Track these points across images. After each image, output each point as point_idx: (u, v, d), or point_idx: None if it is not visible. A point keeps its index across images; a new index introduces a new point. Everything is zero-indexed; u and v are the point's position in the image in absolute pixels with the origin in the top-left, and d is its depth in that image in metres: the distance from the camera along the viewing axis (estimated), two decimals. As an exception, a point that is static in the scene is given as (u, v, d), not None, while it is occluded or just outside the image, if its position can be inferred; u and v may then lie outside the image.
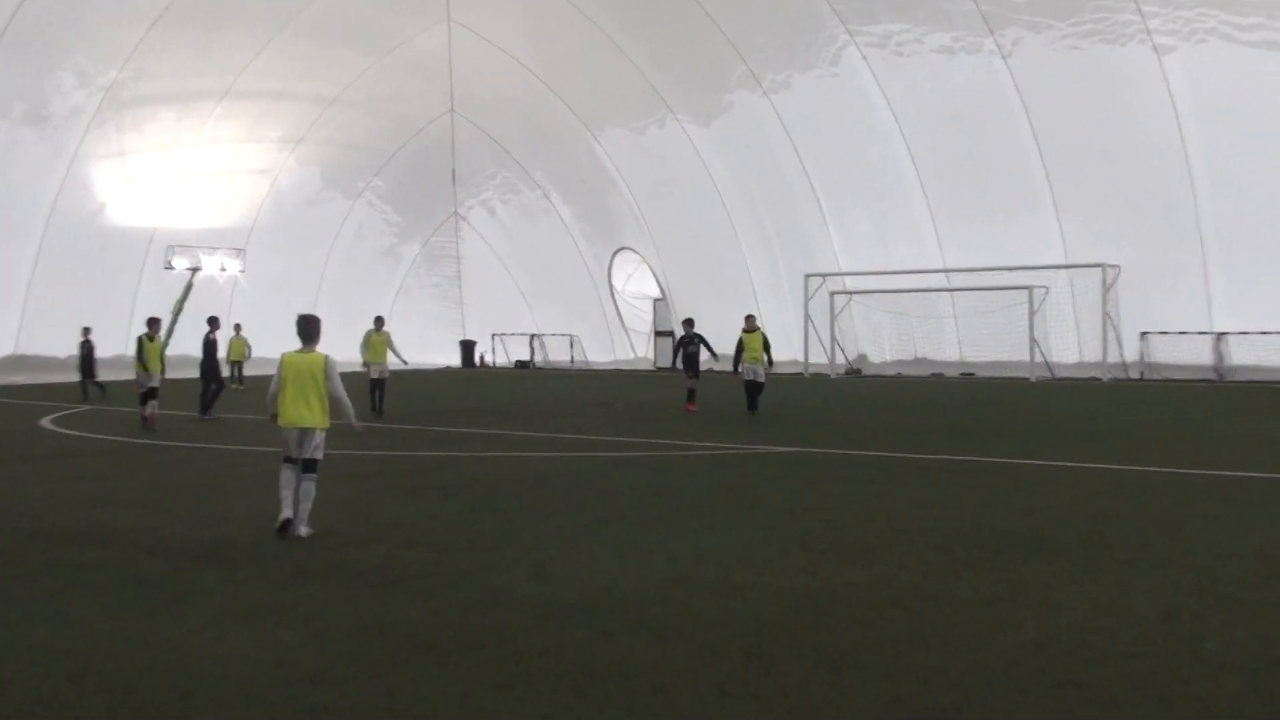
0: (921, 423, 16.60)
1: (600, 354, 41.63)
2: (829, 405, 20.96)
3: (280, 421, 7.54)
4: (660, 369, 38.89)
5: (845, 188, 32.66)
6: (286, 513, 7.46)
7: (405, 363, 20.11)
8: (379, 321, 19.78)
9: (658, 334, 41.17)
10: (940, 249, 31.46)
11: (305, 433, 7.54)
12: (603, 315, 41.27)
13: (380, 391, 18.87)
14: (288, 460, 7.58)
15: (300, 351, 7.65)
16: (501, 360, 43.87)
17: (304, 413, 7.51)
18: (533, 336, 42.71)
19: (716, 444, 13.75)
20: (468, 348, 43.63)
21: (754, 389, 17.87)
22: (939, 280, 31.81)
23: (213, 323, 19.42)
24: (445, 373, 39.07)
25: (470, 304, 44.16)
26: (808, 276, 33.46)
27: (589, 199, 39.65)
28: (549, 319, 42.50)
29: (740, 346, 18.15)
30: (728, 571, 6.50)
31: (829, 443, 13.78)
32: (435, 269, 43.41)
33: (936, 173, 30.71)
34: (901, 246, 32.12)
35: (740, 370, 18.19)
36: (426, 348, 42.38)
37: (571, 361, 41.69)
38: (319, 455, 7.62)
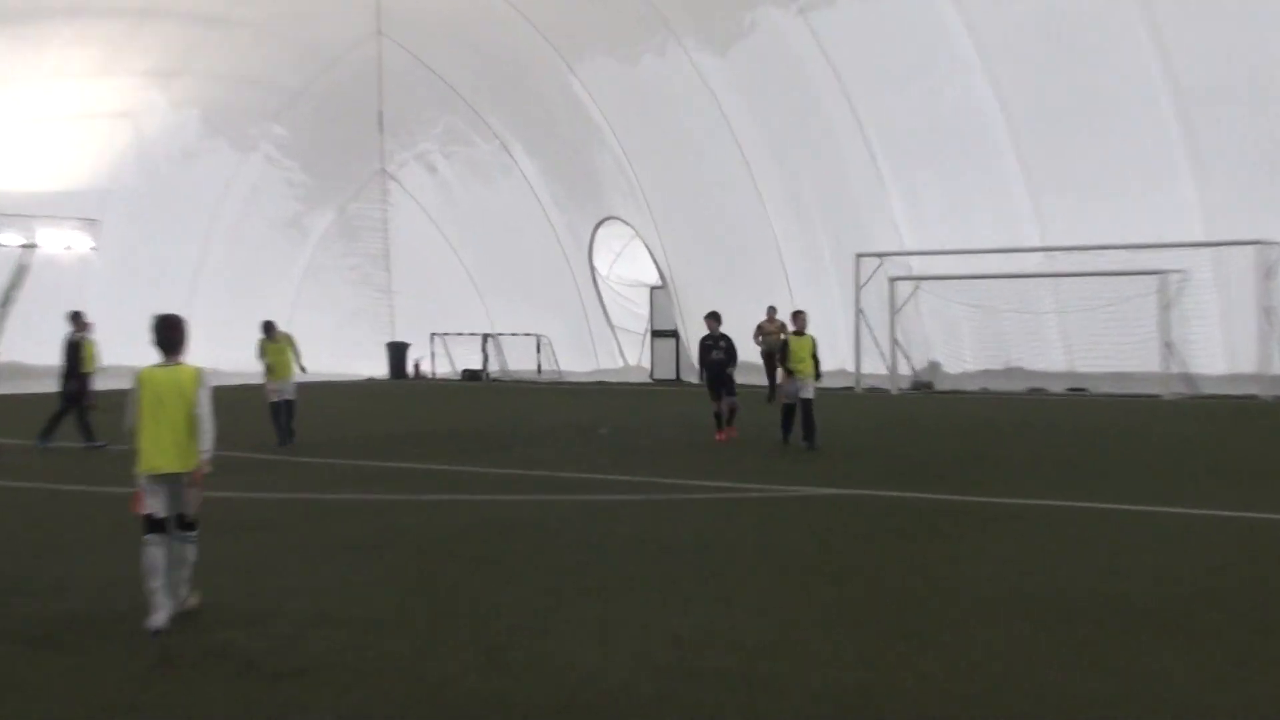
0: (1013, 455, 16.56)
1: (578, 361, 41.62)
2: (887, 431, 20.89)
3: (139, 468, 7.30)
4: (659, 381, 38.85)
5: (910, 140, 32.67)
6: (158, 619, 7.07)
7: (303, 370, 19.98)
8: (269, 328, 19.57)
9: (655, 334, 41.14)
10: (1039, 222, 31.46)
11: (174, 481, 7.34)
12: (581, 309, 41.27)
13: (288, 415, 18.89)
14: (153, 526, 7.26)
15: (162, 366, 7.48)
16: (444, 370, 43.78)
17: (170, 453, 7.29)
18: (486, 338, 42.65)
19: (735, 484, 13.69)
20: (398, 352, 43.56)
21: (802, 411, 17.57)
22: (1037, 263, 31.83)
23: (77, 320, 19.45)
24: (368, 386, 39.01)
25: (402, 293, 44.08)
26: (860, 257, 33.45)
27: (563, 153, 39.65)
28: (509, 314, 42.47)
29: (786, 353, 18.07)
30: (750, 660, 6.44)
31: (887, 483, 13.74)
32: (355, 246, 43.34)
33: (1033, 120, 30.74)
34: (986, 218, 32.12)
35: (781, 386, 18.16)
36: (343, 352, 42.26)
37: (539, 371, 41.66)
38: (194, 508, 7.44)
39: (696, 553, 9.53)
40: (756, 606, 7.66)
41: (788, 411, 17.99)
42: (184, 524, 7.42)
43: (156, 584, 7.17)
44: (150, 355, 7.61)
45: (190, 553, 7.41)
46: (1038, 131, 30.88)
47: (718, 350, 19.20)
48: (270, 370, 19.21)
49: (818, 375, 18.08)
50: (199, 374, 7.50)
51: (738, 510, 11.90)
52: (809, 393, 17.70)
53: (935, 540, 10.01)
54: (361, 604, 7.76)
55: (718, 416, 19.07)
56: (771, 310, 29.92)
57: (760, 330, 29.46)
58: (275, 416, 18.89)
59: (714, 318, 19.67)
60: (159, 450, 7.30)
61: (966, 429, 21.18)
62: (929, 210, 33.26)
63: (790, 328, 18.61)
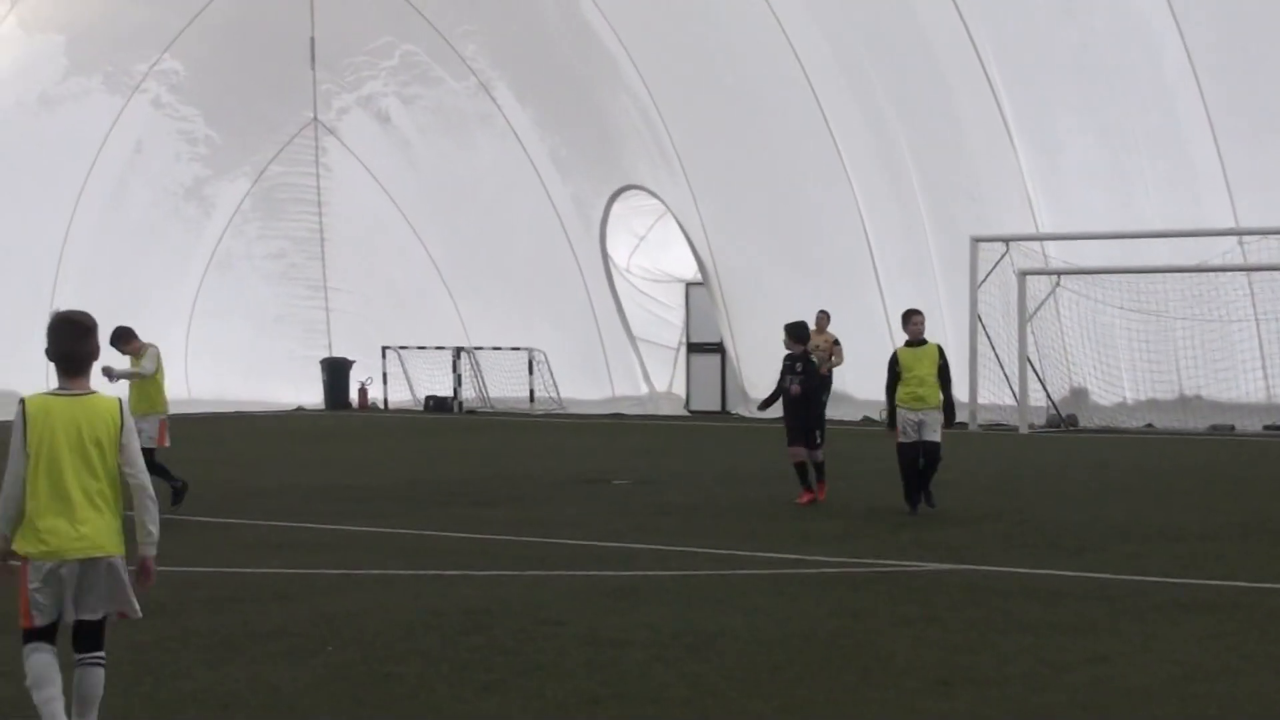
0: (1191, 519, 16.49)
1: (586, 386, 41.50)
2: (1014, 484, 20.82)
3: (27, 547, 6.87)
4: (698, 414, 38.77)
5: (1046, 79, 32.55)
6: None
7: (109, 376, 17.78)
8: (123, 337, 18.05)
9: (692, 349, 41.09)
10: (1229, 196, 31.31)
11: (86, 571, 6.92)
12: (590, 314, 41.14)
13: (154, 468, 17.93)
14: (37, 634, 6.92)
15: (63, 395, 7.03)
16: (400, 396, 43.69)
17: (81, 524, 6.88)
18: (459, 353, 42.64)
19: (804, 555, 13.69)
20: (338, 373, 43.47)
21: (925, 458, 16.99)
22: (1228, 252, 31.70)
23: None
24: (297, 420, 39.05)
25: (343, 291, 44.07)
26: (977, 242, 33.38)
27: (566, 95, 39.60)
28: (490, 322, 42.38)
29: (896, 376, 17.45)
30: (826, 796, 6.46)
31: (1015, 557, 13.72)
32: (278, 226, 43.27)
33: (1223, 48, 30.64)
34: (1153, 188, 32.01)
35: (898, 423, 17.32)
36: (262, 373, 42.29)
37: (532, 400, 41.57)
38: (118, 610, 7.07)
39: (749, 649, 9.54)
40: (833, 725, 7.70)
41: (909, 461, 17.02)
42: (90, 638, 7.00)
43: (52, 693, 6.90)
44: (22, 375, 7.65)
45: (98, 682, 7.03)
46: (1231, 59, 30.71)
47: (802, 375, 18.47)
48: (140, 396, 17.71)
49: (948, 406, 17.41)
50: (120, 408, 7.11)
51: (808, 591, 11.90)
52: (935, 433, 17.01)
53: (1077, 634, 9.99)
54: (293, 717, 7.80)
55: (802, 468, 18.42)
56: (822, 317, 29.55)
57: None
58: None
59: (798, 332, 18.94)
60: (60, 524, 6.84)
61: (1124, 483, 21.05)
62: (1073, 178, 33.11)
63: (904, 340, 17.98)
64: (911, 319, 17.82)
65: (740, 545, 14.42)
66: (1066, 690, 8.38)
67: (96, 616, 6.98)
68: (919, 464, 16.92)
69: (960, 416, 33.72)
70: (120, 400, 7.21)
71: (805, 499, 18.11)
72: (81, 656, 6.99)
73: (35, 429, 6.90)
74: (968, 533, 15.39)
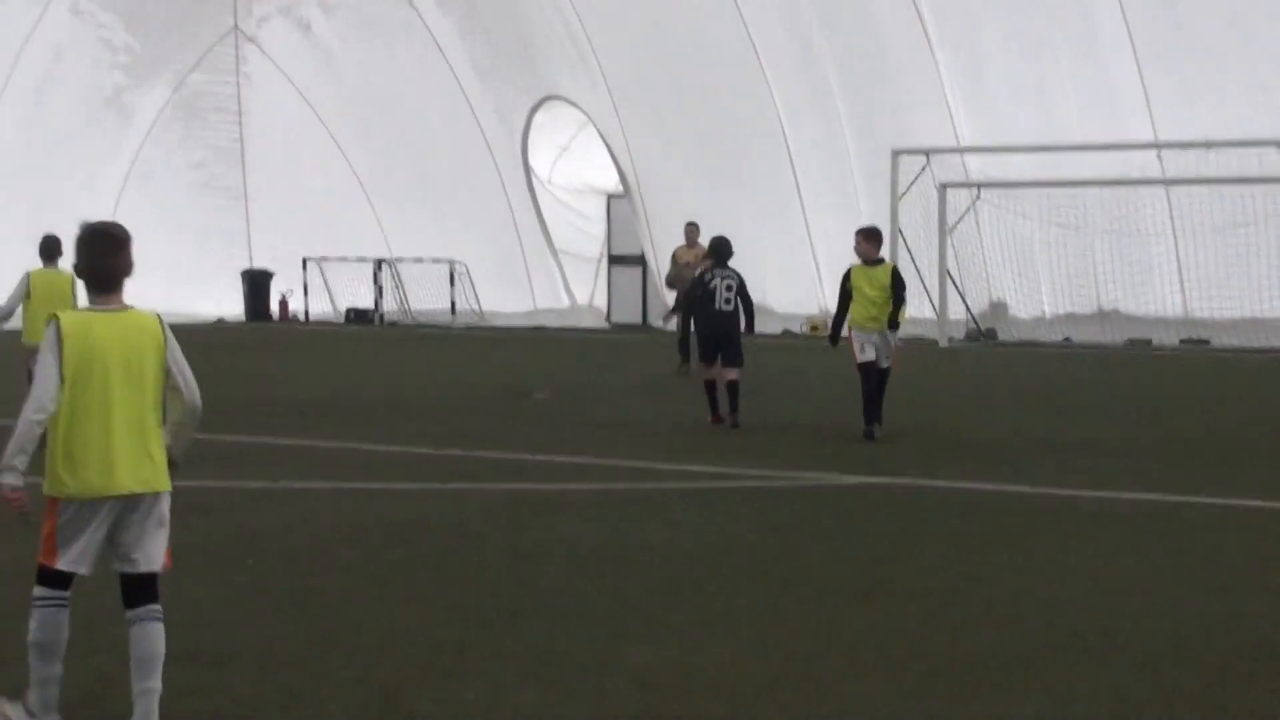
0: (1107, 433, 16.71)
1: (507, 298, 41.45)
2: (934, 398, 20.98)
3: (60, 483, 6.07)
4: (620, 327, 38.78)
5: (970, -11, 32.61)
6: None
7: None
8: (50, 248, 17.60)
9: (614, 261, 41.04)
10: (1148, 107, 31.43)
11: (130, 507, 6.19)
12: (511, 226, 41.04)
13: None
14: (55, 579, 6.18)
15: (100, 311, 6.30)
16: (321, 308, 43.50)
17: (126, 462, 6.15)
18: (380, 265, 42.44)
19: (725, 469, 13.74)
20: (258, 285, 43.23)
21: (877, 380, 16.34)
22: (1144, 165, 31.86)
23: None
24: (217, 332, 38.78)
25: (263, 202, 43.71)
26: (898, 154, 33.40)
27: (488, 4, 39.26)
28: (411, 233, 42.17)
29: (847, 294, 16.51)
30: (744, 706, 6.51)
31: (934, 469, 13.83)
32: (198, 135, 42.89)
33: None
34: (1074, 102, 32.11)
35: (852, 341, 16.46)
36: (181, 285, 41.92)
37: (453, 312, 41.52)
38: (159, 565, 6.29)
39: (670, 562, 9.58)
40: (752, 635, 7.73)
41: (867, 380, 16.28)
42: (144, 589, 6.22)
43: (54, 671, 6.20)
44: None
45: (159, 639, 6.19)
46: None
47: (714, 288, 17.58)
48: (34, 320, 17.32)
49: (892, 323, 16.39)
50: (161, 322, 6.41)
51: (729, 505, 11.95)
52: (886, 358, 16.34)
53: (997, 547, 10.11)
54: (213, 632, 7.77)
55: (711, 390, 17.68)
56: (691, 229, 26.08)
57: (673, 259, 26.43)
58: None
59: (718, 247, 18.22)
60: (105, 459, 6.08)
61: (1043, 396, 21.26)
62: (995, 90, 33.14)
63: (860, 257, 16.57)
64: (869, 239, 16.60)
65: (661, 459, 14.47)
66: (984, 602, 8.47)
67: (151, 569, 6.21)
68: (875, 383, 16.24)
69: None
70: (159, 314, 6.47)
71: (717, 419, 17.45)
72: (135, 612, 6.17)
73: (73, 349, 6.07)
74: (887, 446, 15.46)
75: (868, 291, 16.17)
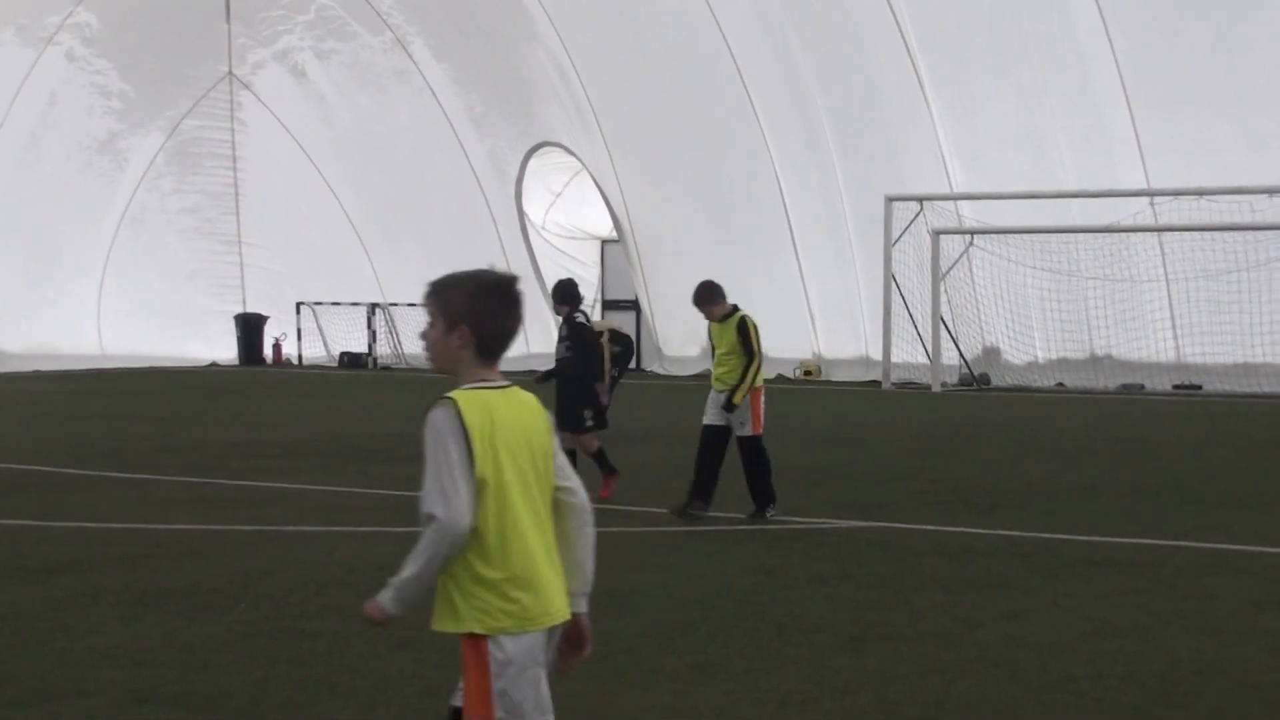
0: (1100, 478, 16.69)
1: (502, 343, 41.57)
2: (926, 443, 20.97)
3: (492, 616, 4.84)
4: (615, 370, 38.82)
5: (963, 40, 32.69)
6: None
7: None
8: None
9: (608, 306, 41.14)
10: (1140, 156, 31.54)
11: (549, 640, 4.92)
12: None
13: None
14: None
15: (491, 386, 5.02)
16: (315, 352, 43.57)
17: (543, 577, 4.87)
18: (374, 309, 42.52)
19: (720, 512, 13.75)
20: (252, 329, 43.31)
21: (742, 457, 13.97)
22: (1139, 213, 31.95)
23: None
24: (211, 375, 38.77)
25: (257, 247, 43.80)
26: (891, 201, 33.51)
27: (482, 51, 39.42)
28: (405, 277, 42.09)
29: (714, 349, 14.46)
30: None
31: (925, 514, 13.82)
32: (193, 181, 42.95)
33: (1135, 20, 30.76)
34: (1067, 149, 32.21)
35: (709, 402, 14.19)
36: (175, 328, 41.99)
37: (447, 357, 41.65)
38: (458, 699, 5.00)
39: (665, 607, 9.58)
40: (745, 680, 7.72)
41: (706, 444, 13.98)
42: None
43: None
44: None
45: None
46: (1146, 27, 30.89)
47: (576, 345, 16.47)
48: None
49: (738, 383, 13.63)
50: (541, 403, 5.08)
51: (722, 549, 11.97)
52: (743, 426, 13.79)
53: (989, 591, 10.11)
54: (205, 674, 7.76)
55: (580, 455, 15.47)
56: (709, 294, 22.38)
57: None
58: None
59: (564, 293, 17.02)
60: (544, 578, 4.86)
61: (1036, 441, 21.24)
62: (988, 137, 33.26)
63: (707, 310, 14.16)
64: (709, 295, 14.10)
65: (655, 502, 14.43)
66: (978, 646, 8.47)
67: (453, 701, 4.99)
68: (720, 450, 13.89)
69: (874, 375, 33.99)
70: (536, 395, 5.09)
71: (606, 493, 15.10)
72: None
73: (482, 443, 4.75)
74: (881, 490, 15.48)
75: (717, 347, 14.07)
